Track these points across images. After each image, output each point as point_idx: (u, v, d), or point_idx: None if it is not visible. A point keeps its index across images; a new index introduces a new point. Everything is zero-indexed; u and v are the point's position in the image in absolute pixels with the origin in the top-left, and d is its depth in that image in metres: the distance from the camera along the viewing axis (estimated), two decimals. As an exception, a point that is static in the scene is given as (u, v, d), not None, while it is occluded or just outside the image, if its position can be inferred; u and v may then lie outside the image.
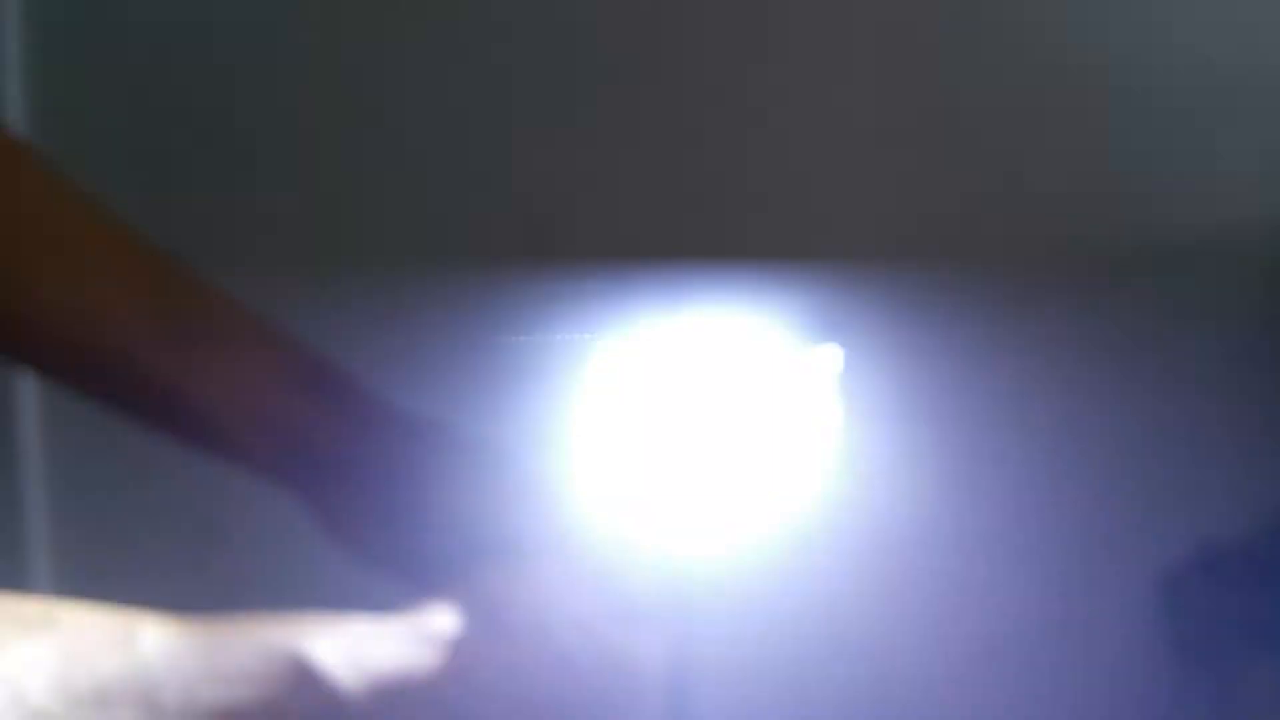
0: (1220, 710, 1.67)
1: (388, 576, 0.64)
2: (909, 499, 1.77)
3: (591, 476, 0.61)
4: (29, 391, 1.57)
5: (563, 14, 1.61)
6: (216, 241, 1.60)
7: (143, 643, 0.51)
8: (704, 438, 0.61)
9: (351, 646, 0.53)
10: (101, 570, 1.64)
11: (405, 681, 0.52)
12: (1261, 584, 1.65)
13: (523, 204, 1.63)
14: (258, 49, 1.59)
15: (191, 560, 1.63)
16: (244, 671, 0.51)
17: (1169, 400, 1.76)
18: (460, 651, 0.53)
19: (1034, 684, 1.76)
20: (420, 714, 0.52)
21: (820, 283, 1.67)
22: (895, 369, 1.70)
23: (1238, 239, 1.74)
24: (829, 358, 0.60)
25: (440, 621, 0.54)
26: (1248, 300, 1.74)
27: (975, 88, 1.67)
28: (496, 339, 1.64)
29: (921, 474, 1.77)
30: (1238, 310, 1.74)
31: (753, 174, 1.65)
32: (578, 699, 0.54)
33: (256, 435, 0.67)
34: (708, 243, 1.64)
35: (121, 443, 1.73)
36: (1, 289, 0.63)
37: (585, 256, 1.64)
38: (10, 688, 0.48)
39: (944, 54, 1.66)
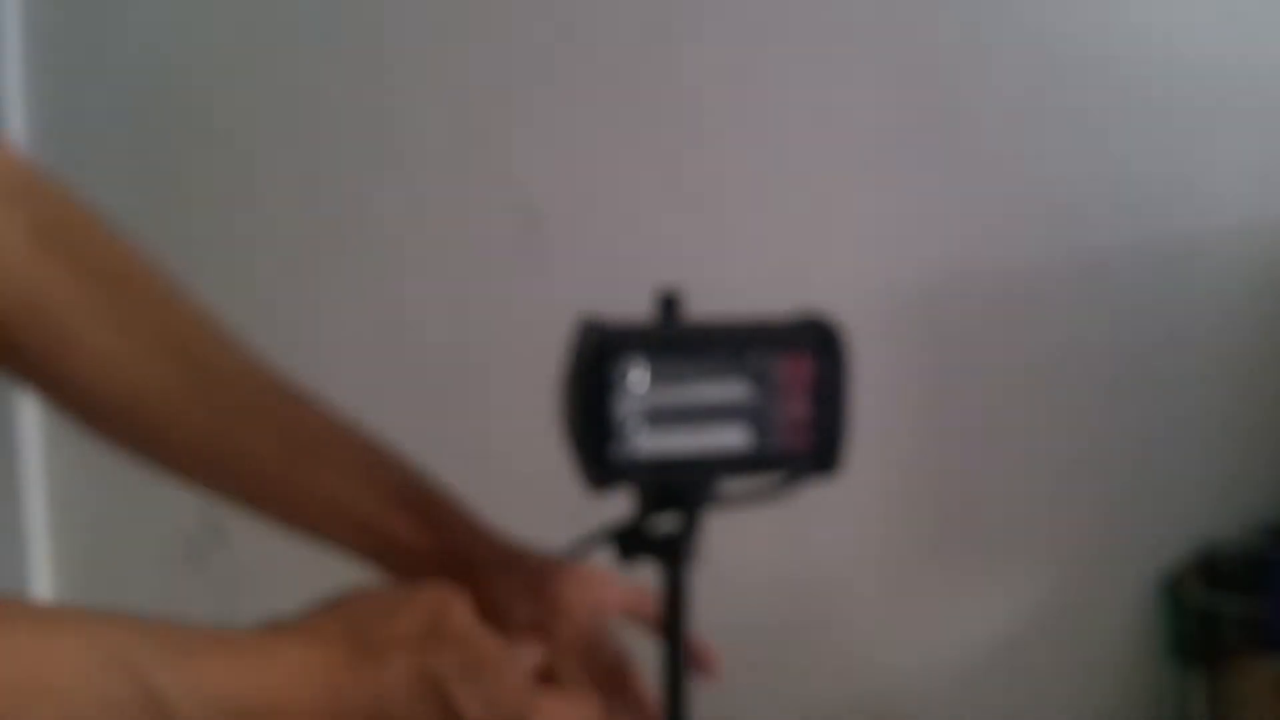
0: (1217, 710, 1.67)
1: None
2: (910, 499, 1.78)
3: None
4: (29, 395, 1.57)
5: (566, 15, 1.62)
6: (216, 243, 1.61)
7: None
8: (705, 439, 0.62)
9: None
10: (101, 570, 1.64)
11: None
12: (1260, 584, 1.65)
13: (522, 204, 1.64)
14: (256, 52, 1.59)
15: (191, 560, 1.64)
16: None
17: (1169, 400, 1.76)
18: None
19: (1034, 682, 1.76)
20: None
21: (821, 280, 1.67)
22: (896, 369, 1.71)
23: (1238, 239, 1.74)
24: (823, 357, 0.60)
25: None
26: (1248, 300, 1.74)
27: (976, 88, 1.67)
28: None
29: (922, 474, 1.77)
30: (1238, 310, 1.74)
31: (754, 176, 1.65)
32: None
33: (352, 539, 0.72)
34: (706, 242, 1.64)
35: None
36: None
37: (584, 260, 1.65)
38: None
39: (945, 55, 1.67)
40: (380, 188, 1.62)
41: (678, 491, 0.61)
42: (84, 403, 0.70)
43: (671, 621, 0.64)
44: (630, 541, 0.62)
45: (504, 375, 1.62)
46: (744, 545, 1.75)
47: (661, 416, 0.58)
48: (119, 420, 0.69)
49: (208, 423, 0.69)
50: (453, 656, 0.57)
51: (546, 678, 0.64)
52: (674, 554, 0.62)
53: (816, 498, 1.79)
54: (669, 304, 0.60)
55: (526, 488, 1.50)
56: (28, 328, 0.67)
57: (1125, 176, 1.70)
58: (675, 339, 0.59)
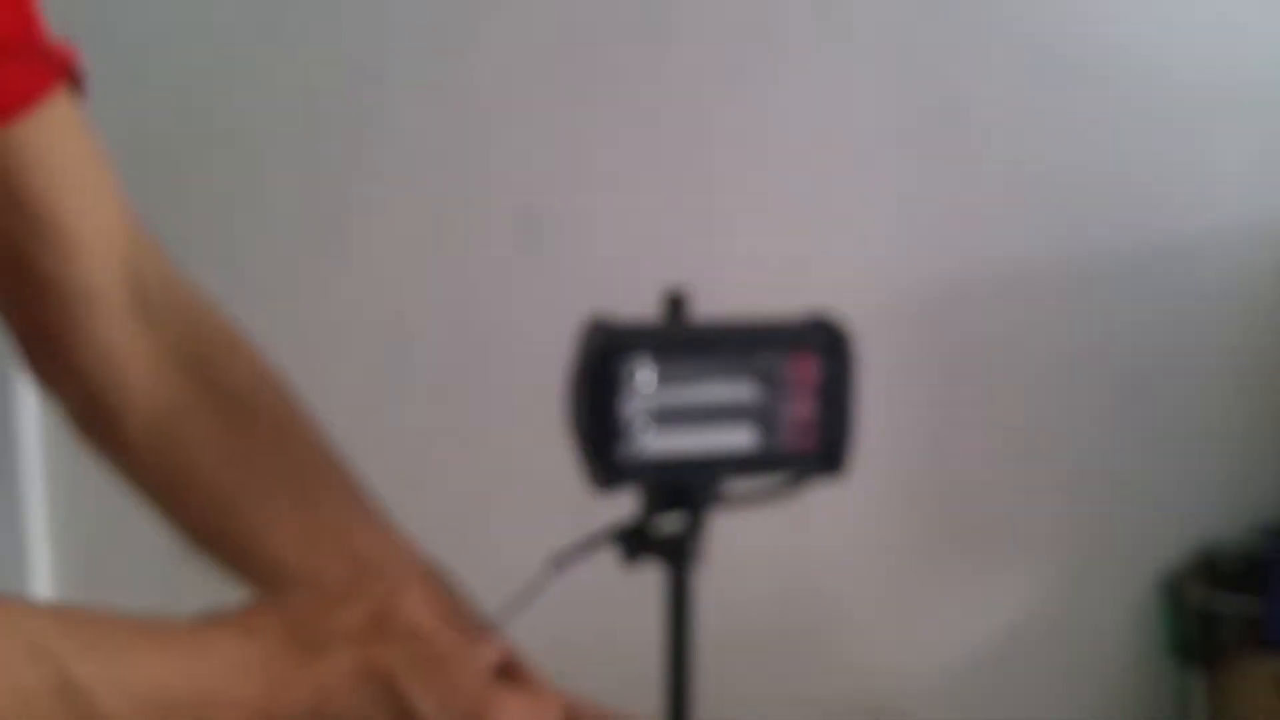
0: (1216, 708, 1.68)
1: None
2: (912, 500, 1.78)
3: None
4: (29, 394, 1.57)
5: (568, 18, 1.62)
6: (217, 242, 1.61)
7: None
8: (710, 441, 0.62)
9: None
10: (101, 570, 1.64)
11: None
12: (1259, 584, 1.66)
13: (521, 204, 1.64)
14: (258, 53, 1.60)
15: (191, 560, 1.63)
16: None
17: (1170, 401, 1.77)
18: None
19: (1035, 680, 1.77)
20: None
21: (820, 280, 1.67)
22: (897, 370, 1.72)
23: (1238, 241, 1.74)
24: (830, 357, 0.61)
25: None
26: (1248, 303, 1.74)
27: (976, 92, 1.68)
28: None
29: (924, 475, 1.78)
30: (1239, 312, 1.75)
31: (754, 176, 1.66)
32: None
33: None
34: (706, 243, 1.64)
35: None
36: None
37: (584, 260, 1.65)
38: None
39: (945, 58, 1.67)
40: (381, 188, 1.62)
41: (683, 491, 0.61)
42: (201, 529, 0.72)
43: (676, 623, 0.64)
44: (635, 541, 0.62)
45: (504, 374, 1.62)
46: (746, 546, 1.75)
47: (668, 416, 0.58)
48: (233, 551, 0.71)
49: (312, 564, 0.69)
50: (402, 650, 0.55)
51: (507, 675, 0.61)
52: (679, 554, 0.62)
53: (818, 498, 1.78)
54: (675, 304, 0.60)
55: (528, 486, 1.50)
56: (158, 455, 0.69)
57: (1125, 178, 1.71)
58: (682, 339, 0.59)
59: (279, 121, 1.60)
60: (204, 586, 1.76)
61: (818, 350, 0.60)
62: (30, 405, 1.58)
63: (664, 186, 1.64)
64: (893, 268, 1.69)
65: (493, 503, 1.56)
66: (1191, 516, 1.75)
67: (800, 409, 0.60)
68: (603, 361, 0.57)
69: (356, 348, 1.63)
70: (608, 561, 0.63)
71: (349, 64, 1.60)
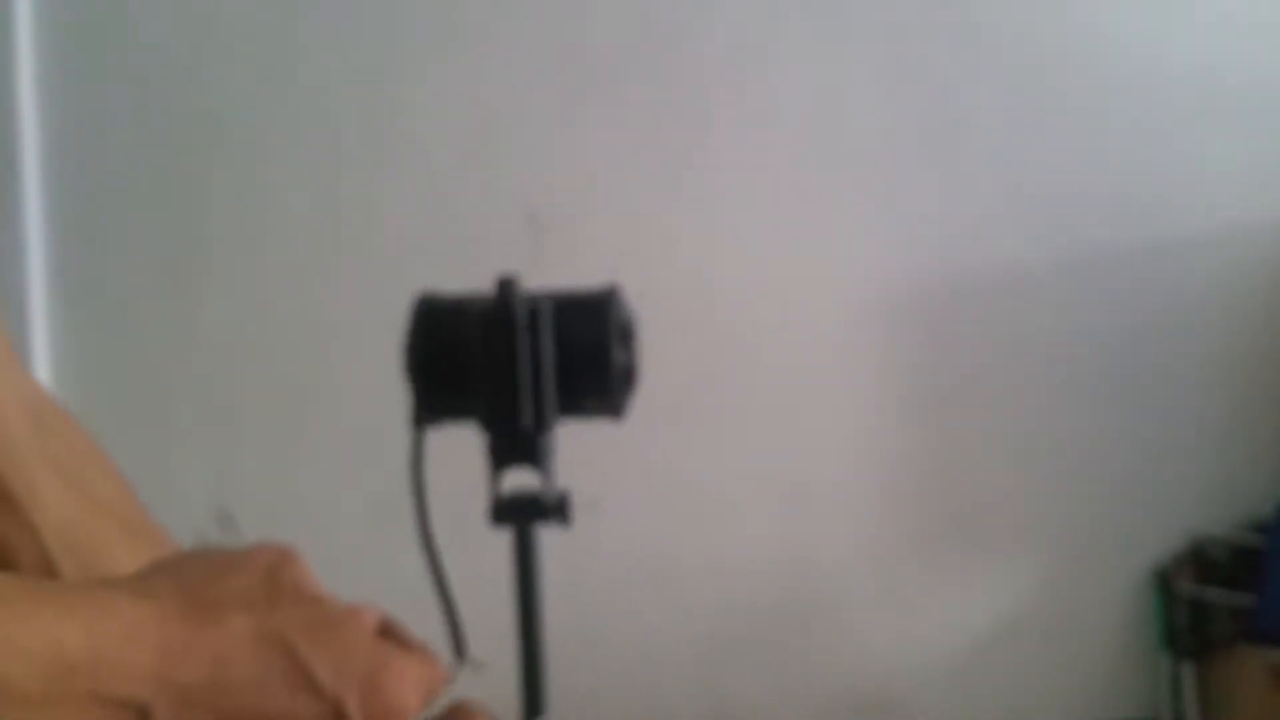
0: (1206, 699, 1.69)
1: None
2: (908, 494, 1.77)
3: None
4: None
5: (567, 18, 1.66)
6: (226, 244, 1.65)
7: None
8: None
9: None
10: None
11: None
12: (1248, 578, 1.67)
13: (527, 206, 1.68)
14: (266, 57, 1.64)
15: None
16: None
17: (1161, 398, 1.78)
18: None
19: (1029, 671, 1.79)
20: None
21: (817, 279, 1.68)
22: (892, 365, 1.71)
23: (1230, 240, 1.75)
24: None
25: None
26: (1239, 300, 1.75)
27: (972, 92, 1.70)
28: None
29: (920, 469, 1.77)
30: (1230, 310, 1.75)
31: (753, 177, 1.69)
32: None
33: None
34: (705, 243, 1.66)
35: (130, 430, 1.73)
36: None
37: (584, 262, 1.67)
38: None
39: (945, 56, 1.69)
40: (389, 190, 1.66)
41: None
42: None
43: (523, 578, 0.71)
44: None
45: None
46: (742, 538, 1.78)
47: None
48: None
49: None
50: (296, 615, 0.55)
51: (387, 636, 0.60)
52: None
53: (817, 493, 1.83)
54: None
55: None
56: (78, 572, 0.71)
57: (1119, 178, 1.72)
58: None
59: (293, 126, 1.65)
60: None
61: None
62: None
63: (665, 188, 1.67)
64: (891, 267, 1.70)
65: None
66: (1182, 511, 1.76)
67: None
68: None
69: (364, 346, 1.66)
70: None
71: (360, 68, 1.64)
